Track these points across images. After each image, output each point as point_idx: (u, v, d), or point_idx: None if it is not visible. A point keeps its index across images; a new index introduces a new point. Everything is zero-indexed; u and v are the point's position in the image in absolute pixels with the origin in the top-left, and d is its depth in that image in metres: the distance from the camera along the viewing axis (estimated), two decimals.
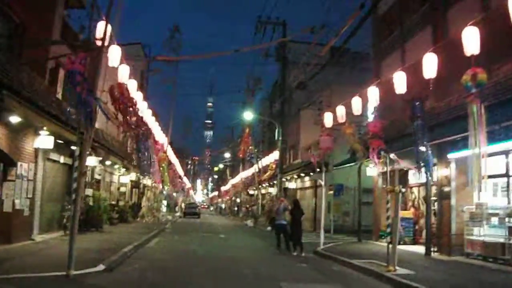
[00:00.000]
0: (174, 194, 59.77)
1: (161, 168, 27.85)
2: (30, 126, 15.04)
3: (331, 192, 30.18)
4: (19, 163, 14.80)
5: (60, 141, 17.42)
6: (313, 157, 19.98)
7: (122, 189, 31.46)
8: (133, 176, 33.41)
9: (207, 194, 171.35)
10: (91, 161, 21.09)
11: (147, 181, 30.61)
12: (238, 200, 70.61)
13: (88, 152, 20.13)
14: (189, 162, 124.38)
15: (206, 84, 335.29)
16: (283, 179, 32.99)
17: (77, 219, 10.12)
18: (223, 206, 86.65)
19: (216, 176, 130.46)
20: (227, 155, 73.04)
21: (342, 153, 27.78)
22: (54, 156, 18.50)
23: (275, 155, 38.79)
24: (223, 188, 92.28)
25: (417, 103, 13.26)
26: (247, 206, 47.21)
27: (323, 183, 20.50)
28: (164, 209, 37.79)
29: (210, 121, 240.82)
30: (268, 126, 48.93)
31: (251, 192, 61.12)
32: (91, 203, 21.25)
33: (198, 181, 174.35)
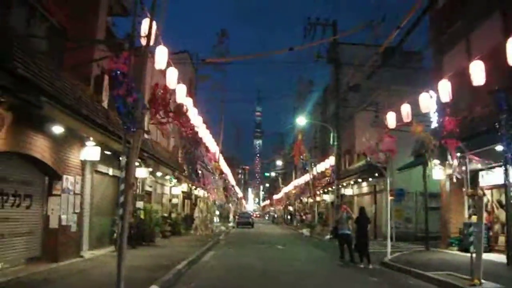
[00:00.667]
0: (226, 204, 58.89)
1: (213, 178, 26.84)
2: (75, 137, 14.21)
3: (392, 197, 28.48)
4: (64, 176, 13.97)
5: (107, 152, 16.60)
6: (376, 154, 18.30)
7: (174, 200, 30.61)
8: (184, 187, 32.59)
9: (258, 203, 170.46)
10: (141, 172, 20.26)
11: (199, 192, 29.63)
12: (291, 208, 69.22)
13: (137, 163, 19.39)
14: (240, 171, 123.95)
15: (253, 92, 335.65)
16: (339, 186, 31.39)
17: (125, 235, 8.98)
18: (275, 215, 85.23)
19: (268, 185, 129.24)
20: (279, 162, 71.49)
21: (403, 155, 26.10)
22: (102, 168, 17.73)
23: (330, 161, 37.22)
24: (275, 197, 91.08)
25: (502, 95, 11.66)
26: (301, 214, 45.54)
27: (388, 186, 18.68)
28: (216, 219, 36.54)
29: (259, 130, 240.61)
30: (320, 131, 47.40)
31: (304, 199, 59.78)
32: (142, 216, 20.36)
33: (249, 190, 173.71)
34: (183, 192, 34.04)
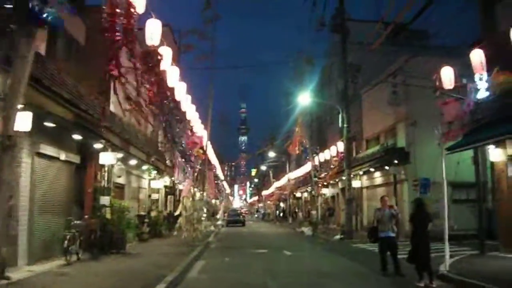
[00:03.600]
0: (213, 200, 53.84)
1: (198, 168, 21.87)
2: None
3: (416, 188, 23.92)
4: None
5: (51, 124, 11.72)
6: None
7: (154, 196, 25.59)
8: (167, 180, 27.58)
9: (245, 199, 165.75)
10: (106, 158, 15.36)
11: (183, 185, 24.65)
12: (282, 204, 64.44)
13: (100, 145, 14.38)
14: (226, 168, 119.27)
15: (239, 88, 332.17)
16: (350, 176, 26.48)
17: None
18: (266, 211, 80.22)
19: (256, 180, 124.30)
20: (271, 154, 66.20)
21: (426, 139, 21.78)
22: (48, 149, 12.79)
23: (334, 149, 32.32)
24: (264, 192, 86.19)
25: None
26: (309, 209, 39.85)
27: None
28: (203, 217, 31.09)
29: (244, 126, 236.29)
30: (317, 119, 42.48)
31: (299, 194, 54.89)
32: (108, 216, 15.36)
33: (236, 187, 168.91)
34: (165, 186, 29.07)
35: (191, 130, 19.91)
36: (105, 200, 15.40)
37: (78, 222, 13.59)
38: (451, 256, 12.66)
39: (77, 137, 13.55)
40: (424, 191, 23.96)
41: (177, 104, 14.95)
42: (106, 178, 15.98)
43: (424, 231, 11.23)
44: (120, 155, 16.68)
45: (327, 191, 39.95)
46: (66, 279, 10.29)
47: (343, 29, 27.05)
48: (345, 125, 26.37)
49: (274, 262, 15.38)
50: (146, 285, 9.41)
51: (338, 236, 25.68)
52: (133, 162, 19.39)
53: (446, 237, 12.82)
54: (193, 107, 17.98)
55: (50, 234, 13.14)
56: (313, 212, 35.49)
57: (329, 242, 24.78)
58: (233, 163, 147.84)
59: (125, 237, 16.18)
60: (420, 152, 24.87)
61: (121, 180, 19.30)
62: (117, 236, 15.69)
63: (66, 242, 12.42)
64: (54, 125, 11.70)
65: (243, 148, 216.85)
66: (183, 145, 15.44)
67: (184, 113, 17.33)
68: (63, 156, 13.67)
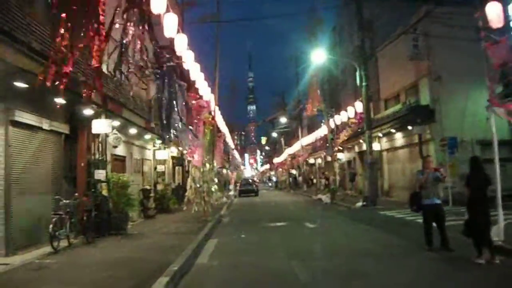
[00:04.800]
0: (224, 170, 51.85)
1: (206, 135, 19.74)
2: None
3: (443, 148, 21.91)
4: None
5: (23, 85, 9.70)
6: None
7: (160, 168, 23.57)
8: (174, 150, 25.59)
9: (256, 168, 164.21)
10: (100, 125, 13.34)
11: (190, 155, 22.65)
12: (294, 171, 62.40)
13: (91, 111, 12.42)
14: (236, 137, 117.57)
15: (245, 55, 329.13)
16: (371, 137, 24.27)
17: None
18: (278, 179, 78.31)
19: (267, 148, 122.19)
20: (282, 120, 63.65)
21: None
22: (26, 118, 10.81)
23: (349, 112, 30.01)
24: (275, 160, 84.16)
25: None
26: (326, 175, 37.34)
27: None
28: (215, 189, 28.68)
29: (252, 96, 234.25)
30: (328, 81, 39.93)
31: (311, 161, 52.79)
32: (105, 193, 13.42)
33: (246, 156, 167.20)
34: (172, 157, 27.10)
35: (198, 95, 17.76)
36: (100, 174, 13.44)
37: (67, 201, 11.63)
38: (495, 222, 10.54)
39: (63, 102, 11.45)
40: (451, 152, 21.94)
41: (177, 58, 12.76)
42: (101, 150, 13.94)
43: (483, 197, 9.12)
44: (116, 122, 14.66)
45: (342, 156, 37.82)
46: (42, 274, 8.34)
47: None
48: (363, 83, 24.07)
49: (297, 238, 13.40)
50: (143, 281, 7.46)
51: (360, 203, 23.74)
52: (133, 131, 17.39)
53: (500, 202, 10.73)
54: (197, 66, 15.81)
55: (34, 217, 11.21)
56: (333, 178, 33.30)
57: (351, 210, 22.85)
58: (243, 132, 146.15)
59: (126, 216, 14.24)
60: (445, 110, 22.77)
61: (120, 152, 17.32)
62: (117, 215, 13.77)
63: (51, 226, 10.49)
64: (27, 86, 9.62)
65: (251, 117, 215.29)
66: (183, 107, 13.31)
67: (185, 71, 15.11)
68: (46, 125, 11.68)
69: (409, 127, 23.86)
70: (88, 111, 12.91)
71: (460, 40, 21.95)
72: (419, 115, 22.68)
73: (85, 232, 12.26)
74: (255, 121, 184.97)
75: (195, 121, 17.45)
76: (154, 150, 22.69)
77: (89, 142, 13.88)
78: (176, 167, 29.14)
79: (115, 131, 14.11)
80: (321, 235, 13.97)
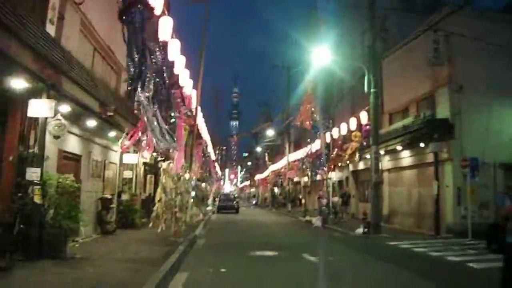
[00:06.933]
0: (203, 184, 47.93)
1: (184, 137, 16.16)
2: None
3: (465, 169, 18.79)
4: None
5: None
6: None
7: (127, 174, 19.75)
8: (147, 155, 21.66)
9: (235, 184, 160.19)
10: (39, 108, 9.69)
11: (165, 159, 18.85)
12: (276, 190, 58.83)
13: (26, 82, 8.58)
14: (217, 152, 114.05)
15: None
16: (377, 153, 20.68)
17: None
18: (259, 196, 74.43)
19: (249, 163, 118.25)
20: (269, 132, 59.65)
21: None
22: None
23: (350, 124, 26.44)
24: (257, 177, 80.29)
25: None
26: (319, 195, 33.02)
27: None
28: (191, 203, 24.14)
29: (235, 111, 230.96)
30: (325, 91, 36.46)
31: (296, 179, 49.17)
32: (37, 199, 9.67)
33: (227, 171, 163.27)
34: (145, 164, 23.33)
35: (179, 86, 14.30)
36: (32, 174, 9.71)
37: None
38: None
39: None
40: (472, 175, 18.79)
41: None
42: (37, 140, 10.19)
43: None
44: (66, 107, 10.91)
45: (333, 175, 34.22)
46: None
47: None
48: (372, 89, 20.60)
49: (300, 283, 9.63)
50: None
51: (360, 230, 20.20)
52: (91, 123, 13.58)
53: None
54: (178, 43, 12.27)
55: None
56: (335, 199, 29.41)
57: (353, 238, 19.34)
58: (224, 147, 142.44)
59: (65, 233, 10.41)
60: (466, 125, 19.57)
61: (74, 148, 13.60)
62: (52, 232, 9.99)
63: None
64: None
65: (234, 133, 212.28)
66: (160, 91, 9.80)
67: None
68: None
69: (421, 144, 20.54)
70: (21, 83, 9.17)
71: (486, 46, 18.95)
72: (436, 130, 19.36)
73: (11, 255, 8.54)
74: (236, 136, 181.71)
75: (173, 114, 13.97)
76: (121, 153, 18.87)
77: (23, 130, 10.17)
78: (148, 176, 25.31)
79: (59, 116, 10.35)
80: (331, 278, 10.09)
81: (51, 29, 10.87)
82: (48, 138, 10.44)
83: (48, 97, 9.87)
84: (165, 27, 10.56)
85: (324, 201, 27.00)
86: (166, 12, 10.23)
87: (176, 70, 14.25)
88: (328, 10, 32.64)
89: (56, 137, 10.25)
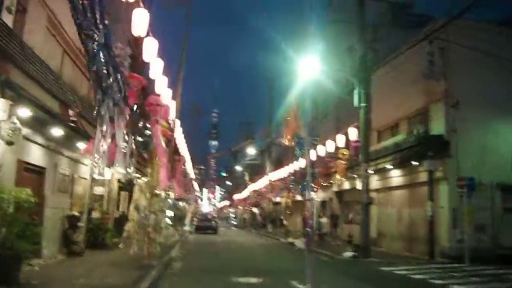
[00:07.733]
0: (181, 203, 46.39)
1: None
2: None
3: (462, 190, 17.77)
4: None
5: None
6: None
7: (98, 190, 18.24)
8: (120, 170, 20.05)
9: (214, 204, 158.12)
10: None
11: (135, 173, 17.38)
12: (256, 210, 57.50)
13: None
14: (196, 171, 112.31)
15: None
16: (367, 171, 19.46)
17: None
18: (238, 217, 72.91)
19: (230, 183, 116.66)
20: (250, 151, 58.35)
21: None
22: None
23: (338, 141, 25.16)
24: (236, 196, 78.70)
25: None
26: (305, 216, 31.60)
27: None
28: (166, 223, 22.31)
29: (215, 131, 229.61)
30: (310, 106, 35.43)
31: (277, 199, 47.78)
32: None
33: (205, 190, 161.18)
34: (119, 181, 21.80)
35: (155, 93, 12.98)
36: None
37: None
38: None
39: None
40: (469, 196, 17.79)
41: None
42: None
43: None
44: (26, 111, 9.48)
45: (314, 196, 32.92)
46: None
47: None
48: (362, 104, 19.47)
49: None
50: None
51: (349, 254, 18.95)
52: (57, 132, 12.14)
53: None
54: (155, 42, 10.95)
55: None
56: (324, 220, 28.20)
57: (342, 262, 18.12)
58: (203, 167, 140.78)
59: (18, 255, 8.86)
60: (462, 143, 18.55)
61: (37, 160, 12.15)
62: (5, 253, 8.46)
63: None
64: None
65: (213, 152, 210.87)
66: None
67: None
68: None
69: (414, 163, 19.42)
70: None
71: (483, 59, 18.06)
72: (430, 147, 18.28)
73: None
74: (215, 157, 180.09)
75: (148, 124, 12.64)
76: (91, 167, 17.32)
77: None
78: (122, 193, 23.76)
79: (14, 119, 8.89)
80: None
81: (8, 19, 9.50)
82: (3, 146, 8.98)
83: (3, 96, 8.47)
84: (140, 21, 9.22)
85: (310, 222, 25.65)
86: (141, 3, 8.85)
87: (151, 74, 13.01)
88: (315, 23, 31.61)
89: (9, 143, 8.74)
